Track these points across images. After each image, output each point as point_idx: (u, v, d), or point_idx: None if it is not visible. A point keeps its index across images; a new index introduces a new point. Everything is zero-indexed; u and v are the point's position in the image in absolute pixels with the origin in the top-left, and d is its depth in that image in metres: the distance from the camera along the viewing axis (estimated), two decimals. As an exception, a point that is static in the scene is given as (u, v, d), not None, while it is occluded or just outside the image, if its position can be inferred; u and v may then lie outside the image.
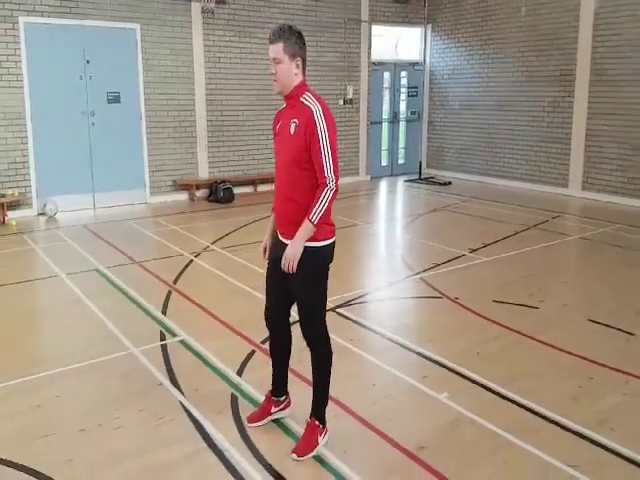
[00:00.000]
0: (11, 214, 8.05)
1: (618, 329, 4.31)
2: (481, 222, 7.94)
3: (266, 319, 3.00)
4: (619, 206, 8.81)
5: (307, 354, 2.88)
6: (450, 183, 10.94)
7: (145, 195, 9.32)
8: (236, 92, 9.87)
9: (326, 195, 2.59)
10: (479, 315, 4.60)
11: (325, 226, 2.69)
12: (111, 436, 3.05)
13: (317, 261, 2.71)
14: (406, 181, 11.30)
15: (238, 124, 9.98)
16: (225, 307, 4.79)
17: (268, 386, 3.48)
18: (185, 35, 9.27)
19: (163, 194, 9.44)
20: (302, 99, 2.66)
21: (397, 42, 11.95)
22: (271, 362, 3.10)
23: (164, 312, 4.72)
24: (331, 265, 2.81)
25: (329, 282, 2.82)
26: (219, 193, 9.26)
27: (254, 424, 3.07)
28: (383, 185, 11.21)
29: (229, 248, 6.58)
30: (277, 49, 2.62)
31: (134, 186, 9.20)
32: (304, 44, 2.69)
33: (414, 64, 12.09)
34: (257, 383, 3.48)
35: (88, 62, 8.54)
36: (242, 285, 5.29)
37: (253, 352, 3.95)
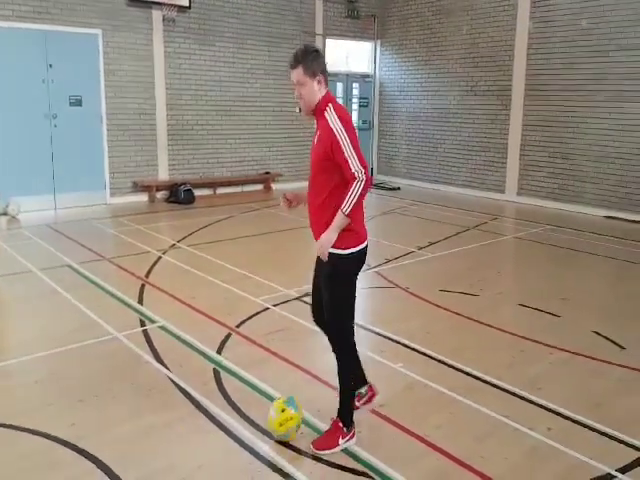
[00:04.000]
0: (-28, 214, 8.14)
1: (545, 312, 4.99)
2: (427, 223, 8.61)
3: (313, 317, 3.18)
4: (550, 210, 9.70)
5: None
6: (399, 188, 11.64)
7: (105, 196, 9.53)
8: (196, 97, 10.24)
9: (356, 187, 2.67)
10: (427, 302, 5.19)
11: (350, 234, 2.80)
12: (108, 404, 3.42)
13: (337, 266, 2.84)
14: (357, 186, 11.90)
15: (197, 128, 10.34)
16: (198, 297, 5.18)
17: (248, 363, 3.92)
18: (146, 42, 9.57)
19: (123, 195, 9.68)
20: (324, 112, 2.80)
21: (347, 54, 12.59)
22: None
23: (140, 302, 5.07)
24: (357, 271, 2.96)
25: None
26: (180, 194, 9.57)
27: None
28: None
29: (195, 246, 6.95)
30: (298, 73, 2.77)
31: (95, 187, 9.41)
32: (322, 59, 2.81)
33: (365, 76, 12.76)
34: (237, 360, 3.92)
35: (51, 66, 8.72)
36: (212, 278, 5.69)
37: (229, 334, 4.38)
